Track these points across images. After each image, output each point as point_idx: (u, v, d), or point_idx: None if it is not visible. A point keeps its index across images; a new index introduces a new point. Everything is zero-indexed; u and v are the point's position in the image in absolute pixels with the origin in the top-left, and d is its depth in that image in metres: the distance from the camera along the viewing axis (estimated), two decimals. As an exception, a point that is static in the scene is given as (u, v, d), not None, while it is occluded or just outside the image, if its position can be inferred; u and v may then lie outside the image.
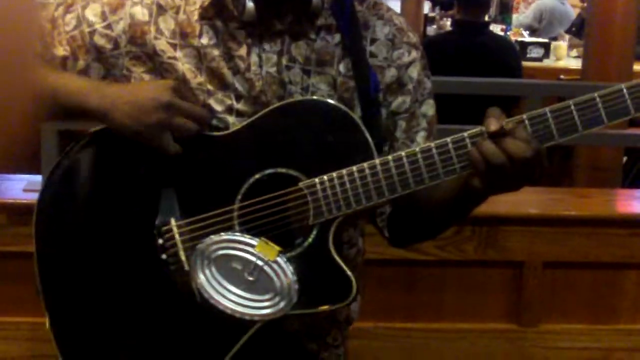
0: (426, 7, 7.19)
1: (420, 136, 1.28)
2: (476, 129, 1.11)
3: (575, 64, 5.56)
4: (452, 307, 2.30)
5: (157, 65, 1.21)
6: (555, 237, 2.27)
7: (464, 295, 2.29)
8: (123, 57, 1.22)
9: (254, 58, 1.21)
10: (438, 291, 2.29)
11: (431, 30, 7.03)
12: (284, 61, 1.21)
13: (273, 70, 1.21)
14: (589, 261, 2.30)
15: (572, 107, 1.09)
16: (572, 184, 3.47)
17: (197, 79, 1.21)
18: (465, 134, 1.11)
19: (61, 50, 1.24)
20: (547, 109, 1.09)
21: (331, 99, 1.20)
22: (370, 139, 1.16)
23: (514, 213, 2.28)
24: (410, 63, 1.27)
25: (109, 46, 1.22)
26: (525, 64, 4.58)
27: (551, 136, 1.10)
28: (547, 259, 2.29)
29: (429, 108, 1.30)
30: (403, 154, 1.13)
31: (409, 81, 1.27)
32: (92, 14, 1.23)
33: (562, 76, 5.25)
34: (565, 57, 6.06)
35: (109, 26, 1.23)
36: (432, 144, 1.13)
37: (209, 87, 1.21)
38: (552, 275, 2.31)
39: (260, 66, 1.21)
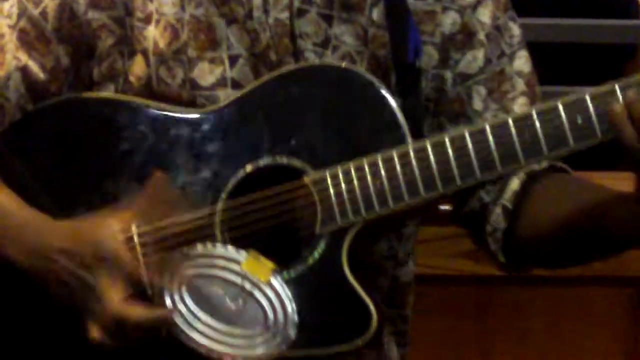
0: None
1: (519, 104, 1.26)
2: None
3: None
4: (542, 342, 2.27)
5: (128, 33, 1.22)
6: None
7: (559, 324, 2.26)
8: (85, 27, 1.23)
9: (256, 0, 1.22)
10: (522, 320, 2.26)
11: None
12: (296, 3, 1.22)
13: (284, 16, 1.22)
14: None
15: None
16: None
17: (173, 45, 1.21)
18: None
19: (13, 61, 1.23)
20: None
21: (360, 57, 1.21)
22: (402, 118, 1.16)
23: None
24: (477, 2, 1.27)
25: (65, 18, 1.23)
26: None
27: None
28: (679, 274, 2.24)
29: (523, 63, 1.29)
30: (446, 138, 1.13)
31: (479, 28, 1.26)
32: None
33: None
34: None
35: None
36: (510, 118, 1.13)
37: (192, 52, 1.21)
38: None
39: (266, 11, 1.22)
